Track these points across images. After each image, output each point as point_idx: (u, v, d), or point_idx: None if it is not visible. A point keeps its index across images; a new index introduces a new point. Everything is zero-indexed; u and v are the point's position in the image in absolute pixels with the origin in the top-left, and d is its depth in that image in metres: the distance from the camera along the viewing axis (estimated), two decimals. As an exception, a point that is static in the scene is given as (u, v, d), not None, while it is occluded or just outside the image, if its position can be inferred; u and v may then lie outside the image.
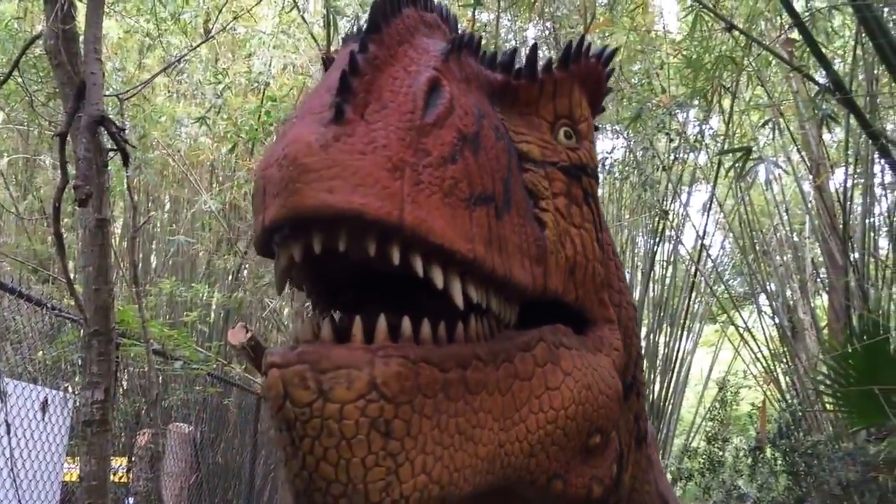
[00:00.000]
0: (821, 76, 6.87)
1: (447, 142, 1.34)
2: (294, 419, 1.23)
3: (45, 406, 7.26)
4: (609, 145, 12.26)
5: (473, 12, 8.00)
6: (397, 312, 1.36)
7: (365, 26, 1.43)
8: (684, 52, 8.19)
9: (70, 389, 8.25)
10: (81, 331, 5.14)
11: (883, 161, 7.06)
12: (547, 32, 11.03)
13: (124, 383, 11.35)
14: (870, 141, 6.84)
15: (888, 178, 9.65)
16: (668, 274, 12.46)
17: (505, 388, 1.45)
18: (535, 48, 1.82)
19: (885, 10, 7.68)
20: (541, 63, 1.84)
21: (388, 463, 1.24)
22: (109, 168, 5.31)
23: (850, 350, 6.35)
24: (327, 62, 1.82)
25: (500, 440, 1.42)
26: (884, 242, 10.56)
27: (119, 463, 9.42)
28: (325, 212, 1.22)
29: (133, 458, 9.62)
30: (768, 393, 12.46)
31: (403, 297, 1.41)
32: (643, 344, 11.91)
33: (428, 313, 1.38)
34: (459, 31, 1.93)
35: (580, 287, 1.72)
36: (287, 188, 1.23)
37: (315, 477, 1.24)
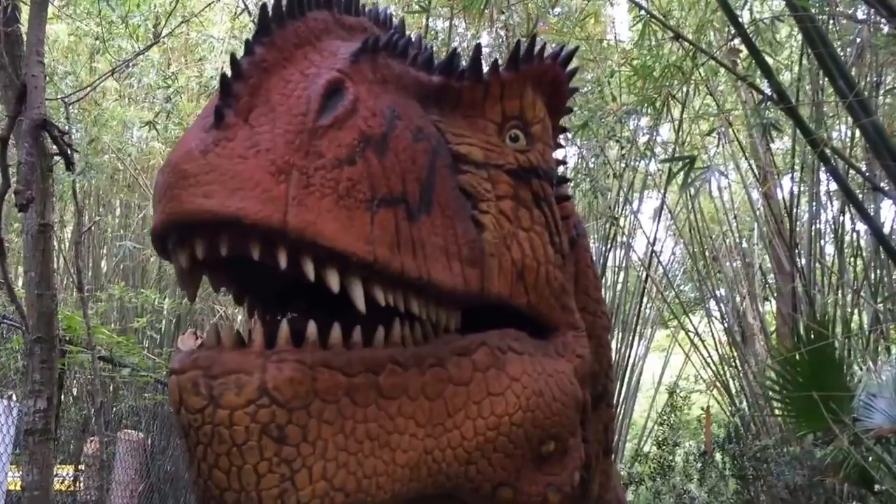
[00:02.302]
0: (766, 86, 6.99)
1: (345, 143, 1.31)
2: (188, 425, 1.22)
3: (-12, 414, 7.11)
4: (561, 152, 12.34)
5: (427, 19, 8.02)
6: (341, 318, 1.33)
7: (256, 27, 1.40)
8: (633, 62, 8.28)
9: (14, 397, 8.09)
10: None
11: (825, 168, 7.21)
12: (500, 41, 11.08)
13: (74, 390, 11.15)
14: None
15: (833, 186, 9.85)
16: (620, 280, 12.57)
17: (433, 393, 1.42)
18: (478, 48, 1.77)
19: (831, 21, 7.86)
20: (487, 64, 1.79)
21: (283, 469, 1.22)
22: (57, 172, 5.23)
23: (796, 356, 6.45)
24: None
25: (426, 447, 1.39)
26: (830, 249, 10.77)
27: (66, 471, 9.26)
28: (201, 217, 1.20)
29: (81, 466, 9.46)
30: (717, 398, 12.63)
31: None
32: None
33: (371, 319, 1.35)
34: (398, 34, 1.90)
35: (532, 291, 1.69)
36: (167, 194, 1.23)
37: (210, 484, 1.23)
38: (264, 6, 1.41)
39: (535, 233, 1.72)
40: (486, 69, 1.77)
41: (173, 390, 1.24)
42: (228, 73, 1.29)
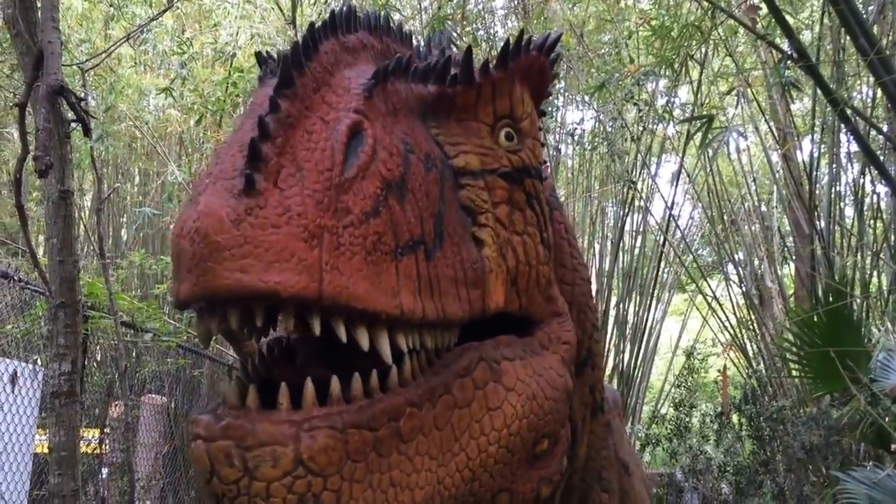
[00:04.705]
0: (787, 45, 6.92)
1: (369, 194, 1.31)
2: (222, 495, 1.24)
3: (14, 379, 7.23)
4: (578, 116, 12.27)
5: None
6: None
7: (277, 78, 1.35)
8: (651, 22, 8.20)
9: (39, 362, 8.21)
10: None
11: (845, 128, 7.14)
12: (515, 3, 11.00)
13: (98, 356, 11.30)
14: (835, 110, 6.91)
15: (854, 148, 9.77)
16: (638, 244, 12.56)
17: (443, 422, 1.43)
18: (469, 51, 1.72)
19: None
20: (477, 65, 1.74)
21: None
22: (74, 140, 5.25)
23: (814, 317, 6.45)
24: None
25: (438, 477, 1.41)
26: (849, 211, 10.70)
27: (92, 434, 9.41)
28: (238, 293, 1.19)
29: (106, 430, 9.61)
30: (734, 360, 12.64)
31: None
32: (613, 313, 12.08)
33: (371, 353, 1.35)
34: (395, 31, 1.84)
35: (524, 294, 1.70)
36: (199, 266, 1.20)
37: None
38: (286, 56, 1.37)
39: (528, 235, 1.73)
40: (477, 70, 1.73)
41: (201, 458, 1.24)
42: (255, 133, 1.26)
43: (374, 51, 1.67)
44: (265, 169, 1.24)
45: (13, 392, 7.20)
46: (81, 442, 6.38)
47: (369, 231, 1.28)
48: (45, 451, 6.39)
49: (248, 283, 1.18)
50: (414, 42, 1.99)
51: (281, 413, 1.26)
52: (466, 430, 1.47)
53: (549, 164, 10.96)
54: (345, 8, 1.62)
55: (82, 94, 4.69)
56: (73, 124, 4.39)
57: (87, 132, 4.26)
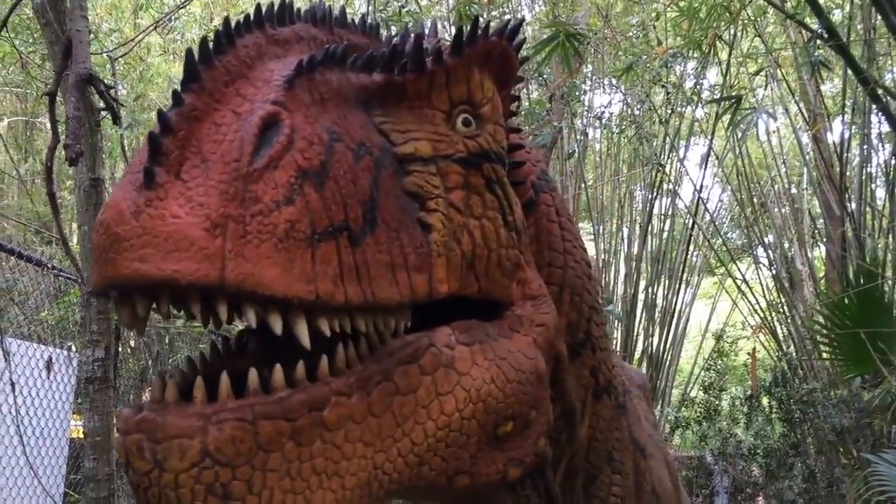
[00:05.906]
0: (816, 24, 6.84)
1: (282, 183, 1.29)
2: (137, 485, 1.27)
3: (49, 365, 7.36)
4: (606, 99, 12.21)
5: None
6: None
7: (182, 74, 1.35)
8: (679, 3, 8.13)
9: (74, 348, 8.34)
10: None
11: (875, 107, 7.05)
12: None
13: (131, 342, 11.45)
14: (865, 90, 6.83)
15: (885, 129, 9.64)
16: (667, 227, 12.48)
17: (381, 409, 1.42)
18: (419, 38, 1.69)
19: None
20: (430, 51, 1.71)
21: None
22: (104, 128, 5.32)
23: (845, 299, 6.41)
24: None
25: (375, 463, 1.41)
26: (881, 192, 10.57)
27: (126, 420, 9.54)
28: (137, 281, 1.20)
29: (139, 416, 9.73)
30: (764, 343, 12.57)
31: None
32: (641, 297, 12.03)
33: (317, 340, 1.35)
34: (355, 24, 1.83)
35: (483, 278, 1.67)
36: (102, 257, 1.23)
37: None
38: (190, 50, 1.36)
39: (488, 219, 1.70)
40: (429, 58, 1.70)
41: (120, 450, 1.28)
42: (157, 129, 1.27)
43: (316, 42, 1.66)
44: (166, 162, 1.25)
45: (49, 378, 7.33)
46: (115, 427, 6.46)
47: (280, 219, 1.27)
48: (81, 435, 6.51)
49: (145, 271, 1.19)
50: (383, 34, 1.98)
51: (194, 406, 1.27)
52: (411, 416, 1.47)
53: (575, 148, 10.97)
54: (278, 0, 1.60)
55: (111, 83, 4.75)
56: (102, 112, 4.45)
57: (115, 120, 4.32)
